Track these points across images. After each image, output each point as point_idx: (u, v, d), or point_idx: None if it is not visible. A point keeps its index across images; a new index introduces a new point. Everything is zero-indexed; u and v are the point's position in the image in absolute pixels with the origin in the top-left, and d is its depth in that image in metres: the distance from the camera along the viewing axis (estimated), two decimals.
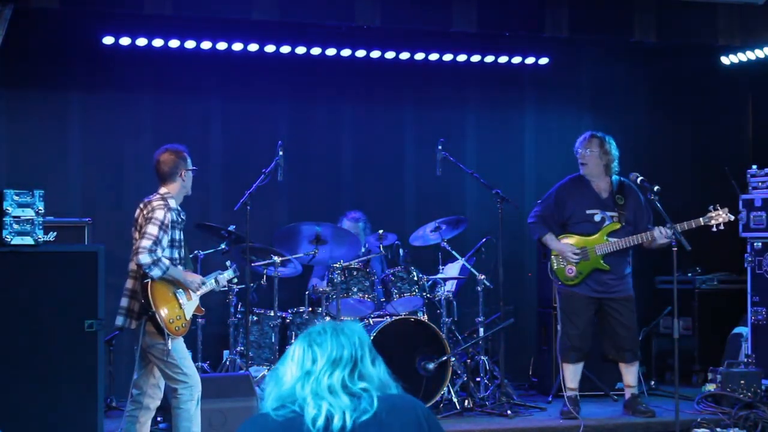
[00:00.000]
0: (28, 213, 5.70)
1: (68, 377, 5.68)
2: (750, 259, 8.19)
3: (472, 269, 7.96)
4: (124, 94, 8.80)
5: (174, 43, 8.60)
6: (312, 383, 2.64)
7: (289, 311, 7.80)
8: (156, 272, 5.69)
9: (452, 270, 8.15)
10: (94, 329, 5.79)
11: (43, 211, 5.76)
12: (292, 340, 7.44)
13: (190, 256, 7.54)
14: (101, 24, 8.43)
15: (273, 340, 7.68)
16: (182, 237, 5.94)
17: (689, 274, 9.06)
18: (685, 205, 7.62)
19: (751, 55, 9.22)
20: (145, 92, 8.86)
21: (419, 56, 9.24)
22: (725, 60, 9.50)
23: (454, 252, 8.00)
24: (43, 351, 5.65)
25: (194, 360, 7.67)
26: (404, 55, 9.19)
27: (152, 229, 5.71)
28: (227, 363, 7.72)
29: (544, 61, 9.54)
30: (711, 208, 7.20)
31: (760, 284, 8.15)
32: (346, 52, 9.01)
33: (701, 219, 7.16)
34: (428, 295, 7.81)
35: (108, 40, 8.48)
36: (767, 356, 7.96)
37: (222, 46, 8.71)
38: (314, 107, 9.27)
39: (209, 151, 8.93)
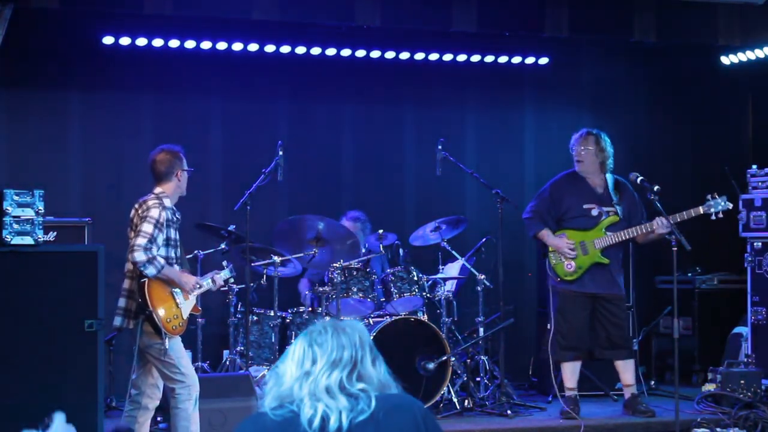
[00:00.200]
0: (28, 213, 5.69)
1: (68, 377, 5.68)
2: (750, 258, 8.19)
3: (472, 269, 7.96)
4: (124, 94, 8.80)
5: (174, 43, 8.60)
6: (310, 384, 2.64)
7: (289, 311, 7.80)
8: (151, 270, 5.69)
9: (452, 270, 8.15)
10: (94, 329, 5.79)
11: (43, 211, 5.75)
12: (292, 340, 7.43)
13: (190, 256, 7.57)
14: (101, 24, 8.43)
15: (273, 340, 7.68)
16: (178, 236, 5.95)
17: (689, 274, 9.06)
18: (685, 205, 7.59)
19: (751, 55, 9.22)
20: (145, 92, 8.86)
21: (419, 56, 9.24)
22: (725, 60, 9.50)
23: (454, 252, 8.00)
24: (43, 351, 5.64)
25: (194, 360, 7.70)
26: (404, 55, 9.20)
27: (147, 228, 5.71)
28: (227, 363, 7.72)
29: (544, 61, 9.54)
30: (708, 196, 7.23)
31: (760, 284, 8.15)
32: (346, 52, 9.01)
33: (700, 207, 7.18)
34: (428, 295, 7.80)
35: (108, 40, 8.49)
36: (767, 356, 7.96)
37: (222, 46, 8.71)
38: (314, 107, 9.27)
39: (209, 151, 8.93)
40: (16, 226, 5.65)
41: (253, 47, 8.77)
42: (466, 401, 7.53)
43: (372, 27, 7.96)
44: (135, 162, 8.58)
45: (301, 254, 7.78)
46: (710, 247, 8.59)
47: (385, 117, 9.45)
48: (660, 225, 7.14)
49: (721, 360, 8.22)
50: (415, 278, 7.72)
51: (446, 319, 7.81)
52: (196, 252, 7.75)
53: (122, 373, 7.70)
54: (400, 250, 8.07)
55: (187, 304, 5.92)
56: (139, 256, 5.67)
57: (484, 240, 8.17)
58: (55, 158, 8.57)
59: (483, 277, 7.84)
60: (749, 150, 9.82)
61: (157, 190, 5.94)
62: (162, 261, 5.74)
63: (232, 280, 6.57)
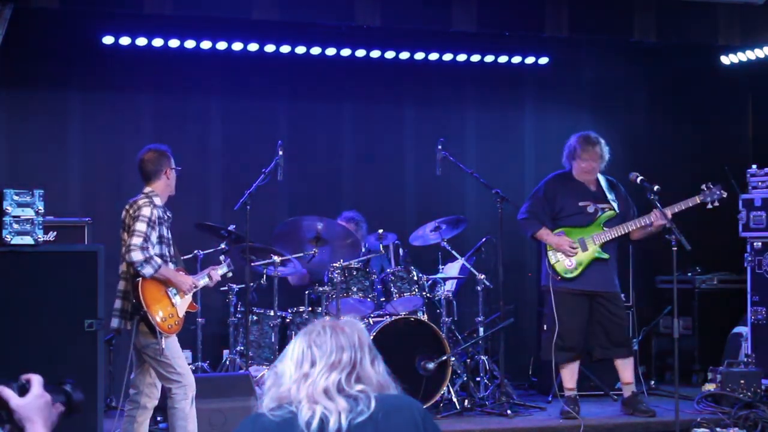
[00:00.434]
0: (28, 213, 5.70)
1: (68, 377, 5.68)
2: (750, 258, 8.19)
3: (472, 269, 7.96)
4: (124, 93, 8.80)
5: (174, 43, 8.60)
6: (308, 387, 2.63)
7: (289, 311, 7.79)
8: (148, 270, 5.69)
9: (452, 270, 8.15)
10: (94, 329, 5.79)
11: (43, 211, 5.76)
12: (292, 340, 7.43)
13: (190, 255, 7.57)
14: (101, 24, 8.43)
15: (273, 340, 7.68)
16: (170, 234, 5.96)
17: (689, 274, 9.06)
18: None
19: (751, 55, 9.22)
20: (145, 92, 8.86)
21: (419, 56, 9.24)
22: (725, 60, 9.50)
23: (454, 252, 8.00)
24: (43, 351, 5.65)
25: (194, 360, 7.71)
26: (404, 55, 9.20)
27: (140, 226, 5.72)
28: (227, 363, 7.72)
29: (544, 60, 9.54)
30: (703, 186, 7.25)
31: (760, 284, 8.15)
32: (346, 52, 9.01)
33: (697, 197, 7.22)
34: (428, 295, 7.80)
35: (108, 39, 8.48)
36: (767, 356, 7.97)
37: (222, 45, 8.71)
38: (314, 107, 9.27)
39: (209, 150, 8.94)
40: (16, 226, 5.66)
41: (252, 47, 8.77)
42: (466, 401, 7.53)
43: (372, 27, 7.96)
44: (135, 162, 8.58)
45: (301, 254, 7.78)
46: (710, 247, 8.58)
47: (385, 117, 9.45)
48: (658, 217, 7.14)
49: (721, 360, 8.22)
50: (415, 278, 7.72)
51: (446, 319, 7.81)
52: (196, 252, 7.75)
53: (122, 373, 7.69)
54: (400, 250, 8.06)
55: (182, 303, 5.93)
56: (136, 255, 5.67)
57: (484, 240, 8.17)
58: (55, 158, 8.57)
59: (483, 277, 7.84)
60: (749, 150, 9.82)
61: (147, 189, 5.96)
62: (159, 261, 5.75)
63: (230, 275, 6.56)
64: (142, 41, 8.53)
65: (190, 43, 8.63)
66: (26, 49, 8.27)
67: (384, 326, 7.36)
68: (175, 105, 8.92)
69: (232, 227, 7.76)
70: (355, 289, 7.63)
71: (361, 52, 9.05)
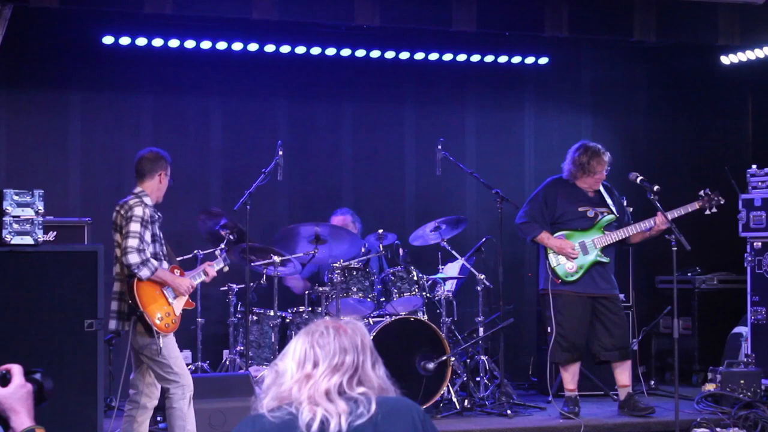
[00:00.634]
0: (28, 213, 5.70)
1: (68, 377, 5.68)
2: (750, 258, 8.19)
3: (472, 269, 7.95)
4: (124, 94, 8.80)
5: (174, 43, 8.59)
6: (310, 388, 2.62)
7: (289, 311, 7.79)
8: (145, 272, 5.69)
9: (452, 269, 8.14)
10: (94, 329, 5.79)
11: (43, 211, 5.76)
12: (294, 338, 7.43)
13: (190, 255, 7.56)
14: (101, 24, 8.42)
15: (273, 340, 7.68)
16: (161, 233, 5.96)
17: (689, 274, 9.06)
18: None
19: (751, 55, 9.22)
20: (145, 92, 8.85)
21: (419, 56, 9.23)
22: (725, 60, 9.49)
23: (454, 252, 8.00)
24: (43, 351, 5.65)
25: (194, 360, 7.71)
26: (404, 55, 9.19)
27: (134, 227, 5.72)
28: (227, 363, 7.72)
29: (544, 60, 9.53)
30: (701, 192, 7.28)
31: (760, 284, 8.15)
32: (346, 52, 9.01)
33: (696, 203, 7.24)
34: (428, 295, 7.80)
35: (108, 39, 8.48)
36: (767, 356, 7.97)
37: (222, 45, 8.71)
38: (314, 107, 9.26)
39: (209, 150, 8.93)
40: (16, 226, 5.66)
41: (252, 47, 8.77)
42: (466, 401, 7.53)
43: (372, 27, 7.95)
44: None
45: (301, 254, 7.78)
46: (710, 247, 8.59)
47: (385, 117, 9.44)
48: (660, 222, 7.17)
49: (721, 360, 8.22)
50: (415, 278, 7.71)
51: (446, 319, 7.81)
52: (196, 252, 7.74)
53: (122, 373, 7.69)
54: (400, 250, 8.06)
55: (178, 301, 5.93)
56: (133, 258, 5.67)
57: (484, 240, 8.17)
58: (55, 158, 8.57)
59: (483, 277, 7.84)
60: (749, 150, 9.82)
61: (137, 189, 5.97)
62: (155, 263, 5.75)
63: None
64: (142, 41, 8.53)
65: (190, 43, 8.63)
66: (26, 49, 8.27)
67: (384, 326, 7.36)
68: (175, 105, 8.91)
69: (224, 221, 7.66)
70: (355, 289, 7.63)
71: (361, 52, 9.05)
